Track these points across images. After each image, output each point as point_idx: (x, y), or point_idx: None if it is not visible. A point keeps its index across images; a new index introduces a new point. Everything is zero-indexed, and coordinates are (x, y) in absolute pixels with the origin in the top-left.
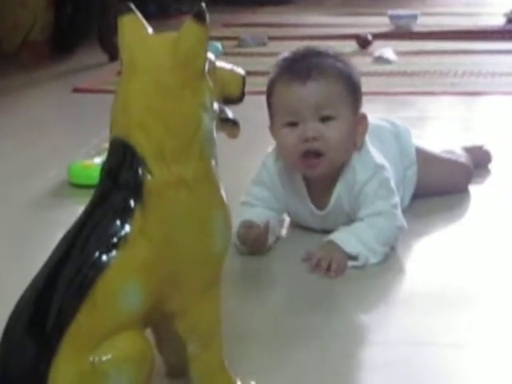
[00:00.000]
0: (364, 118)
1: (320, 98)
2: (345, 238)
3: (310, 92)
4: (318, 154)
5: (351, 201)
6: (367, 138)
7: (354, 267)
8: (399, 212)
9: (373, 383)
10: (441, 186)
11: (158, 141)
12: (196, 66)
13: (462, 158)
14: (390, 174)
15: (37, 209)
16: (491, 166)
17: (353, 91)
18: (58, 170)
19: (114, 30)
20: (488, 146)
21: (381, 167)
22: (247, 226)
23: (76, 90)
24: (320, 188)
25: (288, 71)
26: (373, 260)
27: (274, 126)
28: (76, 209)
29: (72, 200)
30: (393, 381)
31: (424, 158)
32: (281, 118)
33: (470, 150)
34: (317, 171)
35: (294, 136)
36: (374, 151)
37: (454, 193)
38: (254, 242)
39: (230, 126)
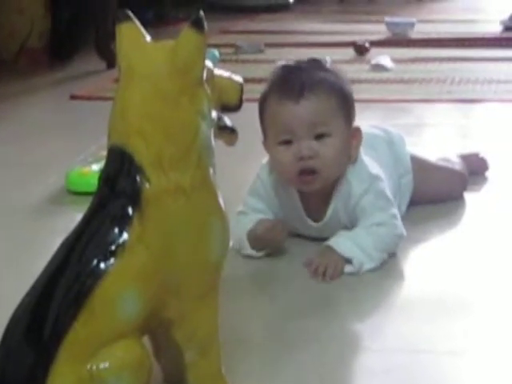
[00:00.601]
0: (358, 130)
1: (314, 117)
2: (342, 243)
3: (303, 111)
4: (313, 171)
5: (348, 213)
6: (361, 148)
7: (350, 273)
8: (399, 222)
9: None
10: (436, 194)
11: (156, 148)
12: (194, 74)
13: (457, 165)
14: (385, 183)
15: (35, 216)
16: (488, 174)
17: (346, 105)
18: (55, 177)
19: (111, 37)
20: (485, 154)
21: (376, 178)
22: (266, 222)
23: (73, 97)
24: (315, 201)
25: (280, 89)
26: (368, 265)
27: (268, 142)
28: (74, 216)
29: (70, 207)
30: None
31: (420, 166)
32: (275, 136)
33: (466, 158)
34: (312, 187)
35: (289, 154)
36: (368, 160)
37: (450, 200)
38: (276, 236)
39: (228, 133)
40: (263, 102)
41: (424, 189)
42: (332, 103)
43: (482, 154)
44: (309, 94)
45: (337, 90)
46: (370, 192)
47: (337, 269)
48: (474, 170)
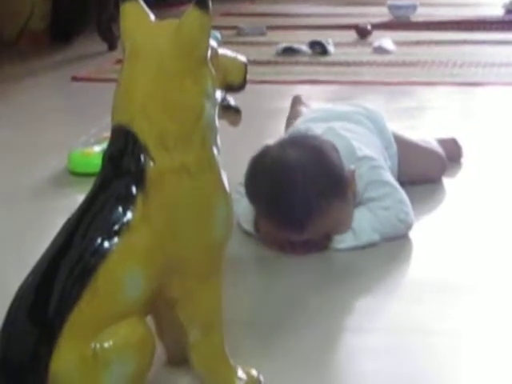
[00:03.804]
0: (350, 173)
1: (321, 231)
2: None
3: (310, 234)
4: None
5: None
6: (347, 133)
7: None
8: (406, 207)
9: (366, 369)
10: (419, 174)
11: (160, 128)
12: (198, 53)
13: (438, 148)
14: (382, 163)
15: (37, 197)
16: (488, 154)
17: (339, 185)
18: (58, 158)
19: (113, 18)
20: (461, 140)
21: (375, 166)
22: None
23: (75, 79)
24: None
25: (278, 222)
26: (350, 243)
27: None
28: (76, 197)
29: (72, 188)
30: (385, 367)
31: (404, 145)
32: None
33: (442, 142)
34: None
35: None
36: (357, 145)
37: (430, 182)
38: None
39: (232, 113)
40: (255, 205)
41: (407, 168)
42: (331, 205)
43: (458, 140)
44: (311, 224)
45: (329, 186)
46: (372, 184)
47: (318, 245)
48: (449, 155)
